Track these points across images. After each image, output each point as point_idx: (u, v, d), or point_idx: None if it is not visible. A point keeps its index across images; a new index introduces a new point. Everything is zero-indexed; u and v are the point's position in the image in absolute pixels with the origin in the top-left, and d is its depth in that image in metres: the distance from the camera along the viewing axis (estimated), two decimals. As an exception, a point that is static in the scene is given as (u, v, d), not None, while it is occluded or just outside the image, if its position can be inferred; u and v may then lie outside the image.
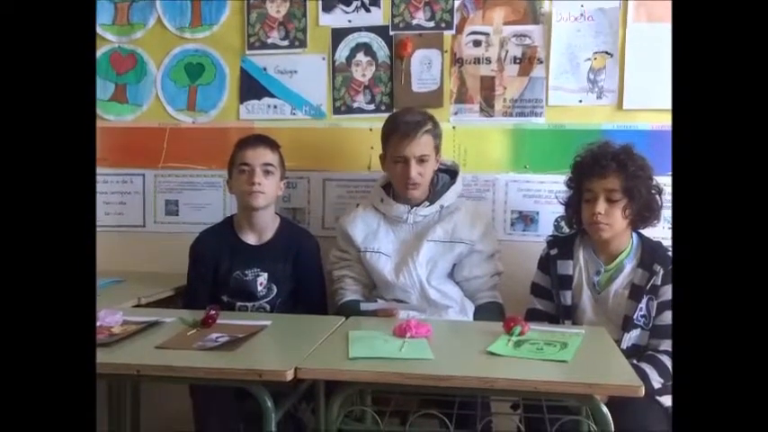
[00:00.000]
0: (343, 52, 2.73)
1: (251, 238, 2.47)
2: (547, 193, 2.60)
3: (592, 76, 2.58)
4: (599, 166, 2.09)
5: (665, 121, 2.49)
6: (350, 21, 2.72)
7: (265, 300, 2.42)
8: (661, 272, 2.05)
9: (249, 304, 2.41)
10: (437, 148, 2.34)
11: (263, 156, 2.39)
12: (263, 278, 2.42)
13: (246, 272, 2.42)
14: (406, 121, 2.28)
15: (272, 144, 2.44)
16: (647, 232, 2.19)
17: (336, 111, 2.75)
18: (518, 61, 2.63)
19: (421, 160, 2.28)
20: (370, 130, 2.65)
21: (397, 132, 2.27)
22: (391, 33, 2.69)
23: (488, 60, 2.64)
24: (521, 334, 1.80)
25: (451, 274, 2.37)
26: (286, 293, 2.44)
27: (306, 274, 2.47)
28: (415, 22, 2.67)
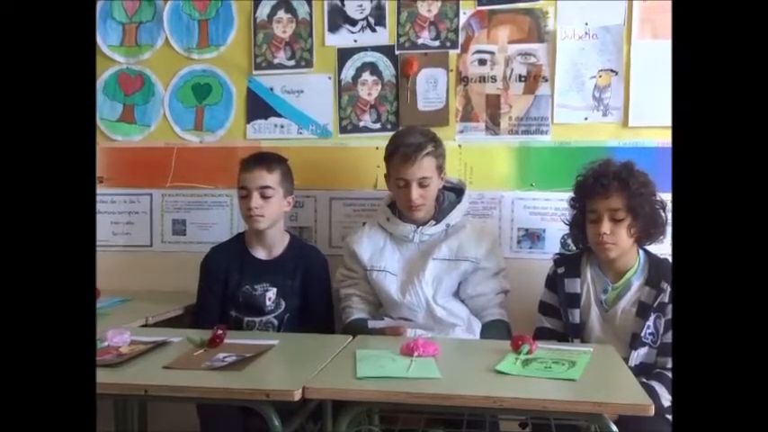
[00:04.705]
0: (349, 72, 2.75)
1: (261, 253, 2.49)
2: (553, 210, 2.60)
3: (597, 94, 2.59)
4: (601, 185, 2.09)
5: (670, 138, 2.49)
6: (356, 40, 2.74)
7: (273, 314, 2.42)
8: (668, 289, 2.05)
9: (257, 319, 2.42)
10: (440, 169, 2.33)
11: (259, 179, 2.39)
12: (271, 293, 2.43)
13: (256, 286, 2.43)
14: (406, 144, 2.27)
15: (270, 164, 2.43)
16: (655, 249, 2.19)
17: (343, 130, 2.76)
18: (523, 79, 2.64)
19: (422, 183, 2.27)
20: (377, 148, 2.65)
21: (398, 155, 2.27)
22: (397, 53, 2.71)
23: (494, 79, 2.65)
24: (529, 352, 1.79)
25: (458, 293, 2.36)
26: (294, 309, 2.44)
27: (314, 289, 2.47)
28: (420, 41, 2.69)
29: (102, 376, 1.54)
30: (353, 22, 2.73)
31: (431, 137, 2.32)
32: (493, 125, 2.66)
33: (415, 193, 2.27)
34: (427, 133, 2.33)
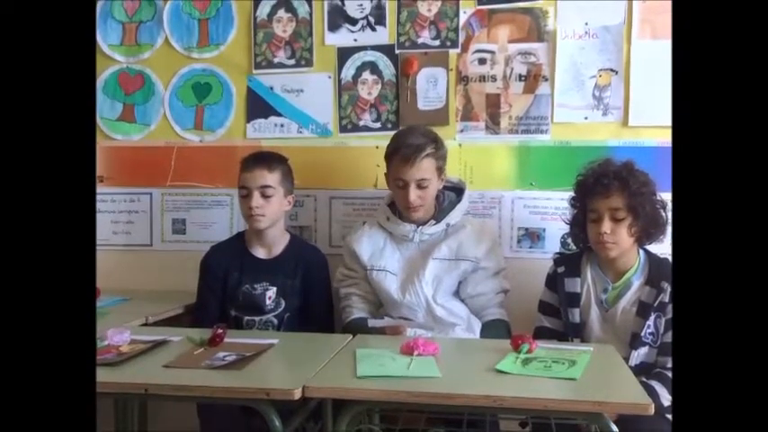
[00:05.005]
0: (349, 71, 2.75)
1: (261, 253, 2.49)
2: (553, 209, 2.60)
3: (597, 93, 2.59)
4: (601, 185, 2.09)
5: (670, 138, 2.49)
6: (356, 40, 2.74)
7: (273, 313, 2.43)
8: (668, 289, 2.05)
9: (257, 318, 2.42)
10: (440, 170, 2.32)
11: (260, 178, 2.39)
12: (271, 292, 2.43)
13: (256, 285, 2.43)
14: (407, 145, 2.26)
15: (270, 163, 2.43)
16: (655, 249, 2.19)
17: (343, 129, 2.76)
18: (523, 79, 2.64)
19: (421, 185, 2.27)
20: (377, 147, 2.65)
21: (398, 155, 2.27)
22: (397, 52, 2.71)
23: (494, 78, 2.65)
24: (528, 351, 1.79)
25: (457, 292, 2.36)
26: (294, 308, 2.45)
27: (314, 289, 2.48)
28: (420, 40, 2.69)
29: (103, 375, 1.55)
30: (353, 22, 2.73)
31: (431, 138, 2.31)
32: (493, 124, 2.66)
33: (413, 194, 2.27)
34: (428, 134, 2.32)
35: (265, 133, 2.80)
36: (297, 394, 1.54)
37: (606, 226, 2.07)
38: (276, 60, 2.79)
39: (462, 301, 2.35)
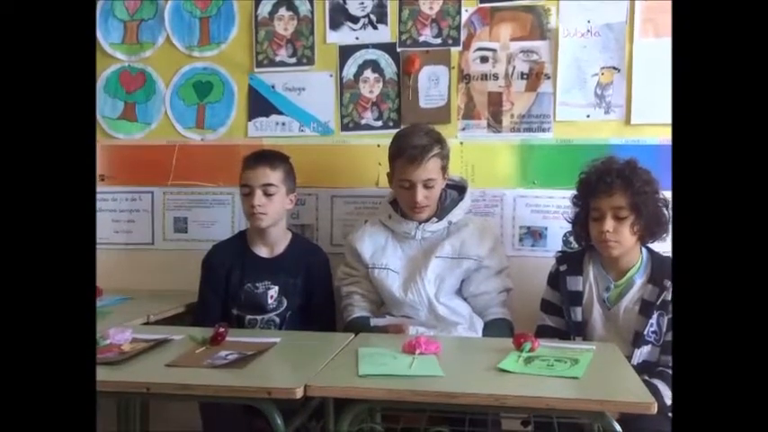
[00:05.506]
0: (350, 69, 2.74)
1: (263, 251, 2.49)
2: (555, 208, 2.60)
3: (599, 92, 2.58)
4: (604, 183, 2.09)
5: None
6: (357, 38, 2.73)
7: (275, 312, 2.43)
8: (671, 287, 2.04)
9: (259, 317, 2.42)
10: (444, 169, 2.32)
11: (262, 176, 2.39)
12: (273, 291, 2.43)
13: (257, 284, 2.43)
14: (413, 146, 2.25)
15: (272, 161, 2.43)
16: (658, 247, 2.19)
17: (344, 127, 2.76)
18: (525, 77, 2.63)
19: (427, 185, 2.27)
20: (378, 146, 2.65)
21: (404, 156, 2.26)
22: (398, 50, 2.71)
23: (495, 76, 2.65)
24: (531, 350, 1.79)
25: (460, 291, 2.36)
26: (296, 307, 2.45)
27: (316, 288, 2.48)
28: (422, 38, 2.69)
29: (104, 374, 1.55)
30: (355, 20, 2.73)
31: (436, 138, 2.30)
32: (495, 123, 2.66)
33: (420, 194, 2.26)
34: (432, 134, 2.32)
35: (267, 132, 2.80)
36: (299, 393, 1.54)
37: (609, 224, 2.07)
38: (277, 59, 2.79)
39: (465, 299, 2.34)
